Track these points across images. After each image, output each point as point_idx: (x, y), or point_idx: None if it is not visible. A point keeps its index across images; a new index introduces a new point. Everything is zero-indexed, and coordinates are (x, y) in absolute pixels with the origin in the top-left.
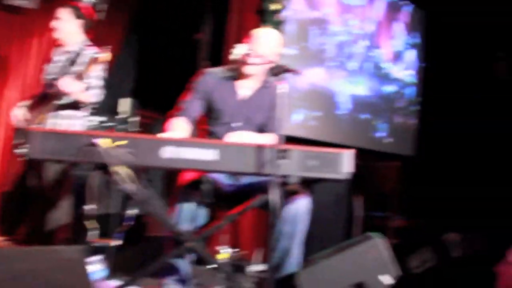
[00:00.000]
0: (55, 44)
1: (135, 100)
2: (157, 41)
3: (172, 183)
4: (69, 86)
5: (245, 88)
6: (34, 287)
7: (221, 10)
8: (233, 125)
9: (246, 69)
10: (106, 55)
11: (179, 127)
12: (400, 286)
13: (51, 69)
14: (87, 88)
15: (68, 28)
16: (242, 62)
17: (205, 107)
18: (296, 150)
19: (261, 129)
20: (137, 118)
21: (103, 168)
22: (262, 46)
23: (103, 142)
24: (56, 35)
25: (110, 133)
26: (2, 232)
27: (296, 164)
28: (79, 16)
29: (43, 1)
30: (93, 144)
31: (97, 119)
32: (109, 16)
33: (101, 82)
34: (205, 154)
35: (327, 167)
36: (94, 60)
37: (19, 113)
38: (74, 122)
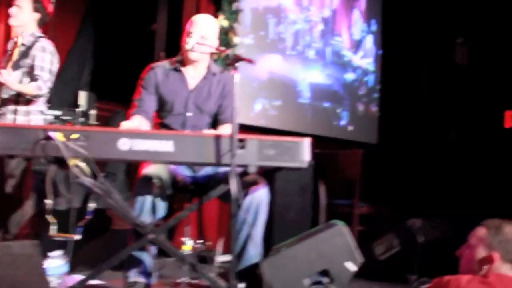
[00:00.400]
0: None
1: (93, 93)
2: (113, 33)
3: (134, 176)
4: (7, 79)
5: (192, 77)
6: None
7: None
8: (187, 114)
9: (189, 56)
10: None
11: (138, 124)
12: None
13: (4, 60)
14: (32, 75)
15: (24, 18)
16: (184, 49)
17: (157, 101)
18: (253, 139)
19: (214, 118)
20: (95, 111)
21: (60, 162)
22: (201, 29)
23: (59, 136)
24: (11, 21)
25: (66, 127)
26: None
27: (254, 154)
28: (37, 9)
29: None
30: (49, 138)
31: (53, 113)
32: (64, 7)
33: (47, 73)
34: (160, 145)
35: (286, 156)
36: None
37: None
38: (31, 117)
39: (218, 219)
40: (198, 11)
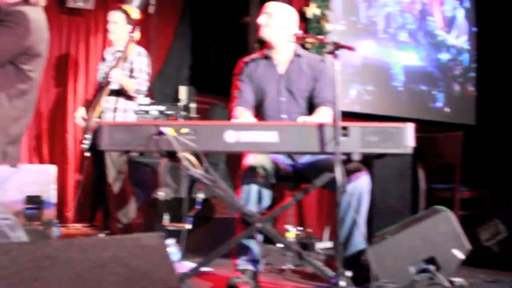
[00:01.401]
0: (109, 44)
1: (192, 87)
2: (208, 28)
3: (234, 166)
4: (114, 76)
5: (280, 63)
6: (118, 273)
7: None
8: (280, 99)
9: (270, 44)
10: (138, 34)
11: (243, 115)
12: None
13: (103, 67)
14: (131, 77)
15: (120, 31)
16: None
17: (254, 91)
18: (356, 126)
19: (307, 102)
20: (195, 104)
21: (171, 155)
22: (273, 17)
23: (171, 131)
24: (110, 36)
25: (176, 122)
26: (81, 219)
27: (357, 141)
28: (129, 22)
29: (98, 2)
30: (161, 133)
31: (157, 108)
32: (162, 8)
33: (145, 74)
34: (265, 136)
35: (389, 142)
36: (131, 40)
37: (79, 114)
38: (128, 114)
39: (318, 206)
40: (289, 2)
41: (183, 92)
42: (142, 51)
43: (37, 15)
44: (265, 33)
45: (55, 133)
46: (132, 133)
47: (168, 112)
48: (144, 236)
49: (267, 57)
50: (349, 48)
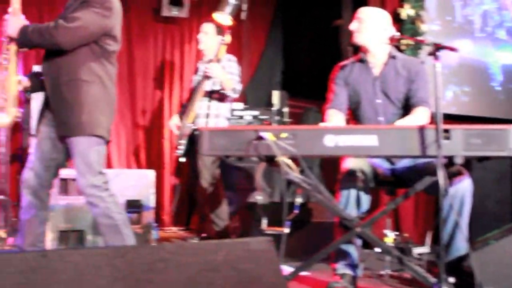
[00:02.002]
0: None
1: (285, 91)
2: (300, 32)
3: (328, 170)
4: (213, 69)
5: (375, 66)
6: (228, 277)
7: None
8: (376, 101)
9: (364, 48)
10: (228, 37)
11: (334, 118)
12: None
13: (196, 78)
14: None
15: (210, 41)
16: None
17: (349, 95)
18: (459, 129)
19: (402, 104)
20: (287, 109)
21: (269, 159)
22: (364, 22)
23: (270, 136)
24: (200, 46)
25: (275, 126)
26: (177, 223)
27: (459, 144)
28: (220, 32)
29: (192, 10)
30: (261, 138)
31: (251, 113)
32: (253, 14)
33: (237, 76)
34: (365, 140)
35: (493, 145)
36: (222, 43)
37: (173, 122)
38: (220, 120)
39: (414, 211)
40: (383, 3)
41: (276, 96)
42: (232, 57)
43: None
44: (358, 38)
45: (151, 139)
46: (232, 138)
47: (262, 117)
48: (253, 240)
49: (362, 61)
50: (451, 49)
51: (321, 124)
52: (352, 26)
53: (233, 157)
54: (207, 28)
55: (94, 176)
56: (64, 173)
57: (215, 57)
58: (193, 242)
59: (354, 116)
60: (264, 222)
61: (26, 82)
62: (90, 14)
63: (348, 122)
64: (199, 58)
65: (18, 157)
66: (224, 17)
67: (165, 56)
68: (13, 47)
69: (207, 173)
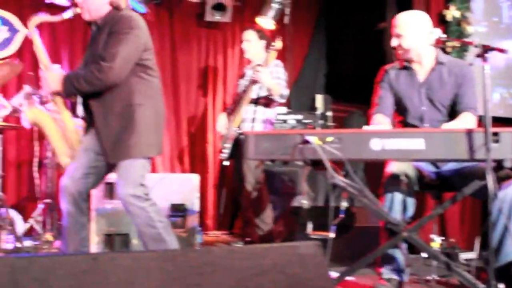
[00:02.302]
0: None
1: (328, 95)
2: (343, 36)
3: (372, 174)
4: (261, 75)
5: (420, 71)
6: (276, 281)
7: None
8: (422, 108)
9: (401, 56)
10: (279, 43)
11: (380, 122)
12: None
13: (243, 82)
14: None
15: (254, 48)
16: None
17: (394, 100)
18: (509, 132)
19: (448, 110)
20: (331, 113)
21: (315, 164)
22: (396, 29)
23: (315, 140)
24: (246, 55)
25: (321, 130)
26: (221, 227)
27: (509, 147)
28: (262, 37)
29: (234, 15)
30: (306, 142)
31: (294, 117)
32: (296, 18)
33: (284, 81)
34: (411, 143)
35: None
36: (273, 49)
37: (221, 122)
38: (267, 125)
39: (460, 215)
40: (427, 5)
41: (319, 100)
42: (279, 62)
43: (134, 15)
44: (404, 55)
45: (195, 143)
46: (277, 142)
47: (306, 121)
48: (301, 244)
49: (407, 67)
50: (500, 50)
51: (367, 128)
52: (393, 43)
53: (279, 161)
54: (249, 36)
55: (134, 188)
56: (109, 177)
57: (264, 63)
58: (241, 246)
59: (401, 123)
60: (309, 227)
61: (82, 123)
62: (125, 43)
63: (394, 126)
64: (242, 62)
65: None
66: (267, 21)
67: (208, 61)
68: (58, 99)
69: (252, 177)
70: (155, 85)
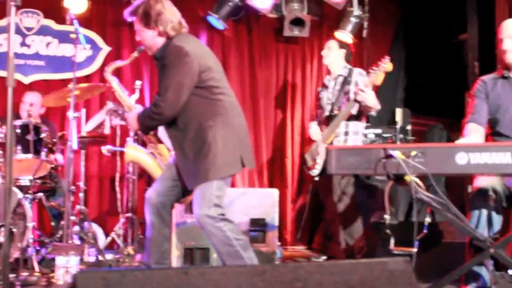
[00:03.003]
0: (327, 71)
1: (407, 108)
2: (422, 48)
3: (454, 189)
4: (368, 97)
5: None
6: None
7: (486, 8)
8: None
9: (507, 60)
10: (389, 64)
11: (473, 130)
12: None
13: (326, 94)
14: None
15: (334, 56)
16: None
17: (489, 110)
18: None
19: None
20: (410, 126)
21: (398, 178)
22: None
23: (399, 154)
24: (324, 61)
25: (404, 144)
26: (300, 242)
27: None
28: (342, 46)
29: (312, 30)
30: (390, 156)
31: (374, 131)
32: (374, 31)
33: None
34: (498, 157)
35: None
36: (382, 70)
37: (313, 129)
38: (359, 137)
39: None
40: (511, 15)
41: (399, 114)
42: (363, 71)
43: (184, 40)
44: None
45: (274, 158)
46: (360, 157)
47: (385, 135)
48: (390, 260)
49: (505, 77)
50: None
51: (458, 141)
52: (506, 45)
53: (361, 175)
54: (330, 44)
55: (209, 208)
56: None
57: (371, 83)
58: (331, 261)
59: (493, 133)
60: (392, 242)
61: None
62: (174, 73)
63: (486, 137)
64: (320, 77)
65: (145, 176)
66: (345, 35)
67: (287, 76)
68: (151, 136)
69: (341, 191)
70: (226, 103)
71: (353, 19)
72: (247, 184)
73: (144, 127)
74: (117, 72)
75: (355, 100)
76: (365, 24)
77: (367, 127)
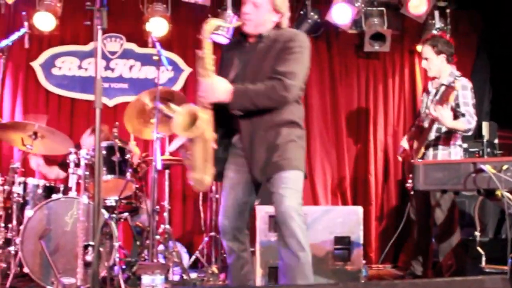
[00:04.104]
0: (428, 78)
1: (494, 122)
2: (507, 58)
3: None
4: (442, 116)
5: None
6: None
7: None
8: None
9: None
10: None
11: None
12: None
13: (425, 100)
14: (457, 112)
15: (434, 66)
16: None
17: None
18: None
19: None
20: (497, 140)
21: (489, 193)
22: None
23: (489, 168)
24: (429, 74)
25: (496, 158)
26: (385, 260)
27: None
28: (439, 51)
29: (393, 44)
30: (480, 170)
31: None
32: (458, 43)
33: (471, 108)
34: None
35: None
36: (450, 88)
37: (403, 147)
38: (449, 151)
39: None
40: None
41: (485, 128)
42: (467, 83)
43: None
44: None
45: (357, 175)
46: (448, 172)
47: (472, 149)
48: (487, 278)
49: None
50: None
51: None
52: None
53: (450, 191)
54: (426, 54)
55: (298, 203)
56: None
57: (444, 101)
58: (424, 279)
59: None
60: (483, 260)
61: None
62: (301, 62)
63: None
64: (403, 92)
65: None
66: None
67: (368, 92)
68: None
69: (435, 207)
70: (302, 112)
71: (435, 32)
72: (330, 202)
73: (247, 104)
74: None
75: (433, 121)
76: (447, 36)
77: None
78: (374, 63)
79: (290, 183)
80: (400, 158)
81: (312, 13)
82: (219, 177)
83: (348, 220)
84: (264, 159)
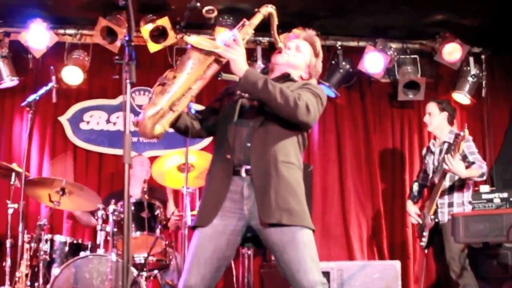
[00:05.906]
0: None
1: None
2: None
3: None
4: (456, 168)
5: None
6: None
7: None
8: None
9: None
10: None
11: None
12: None
13: (431, 160)
14: (469, 165)
15: (435, 121)
16: None
17: None
18: None
19: None
20: None
21: None
22: None
23: None
24: (428, 129)
25: None
26: None
27: None
28: (443, 109)
29: (427, 93)
30: None
31: (499, 195)
32: (494, 90)
33: (478, 155)
34: None
35: None
36: (461, 139)
37: (412, 209)
38: (465, 208)
39: None
40: None
41: None
42: (468, 137)
43: None
44: None
45: (394, 228)
46: (490, 223)
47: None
48: None
49: None
50: None
51: None
52: None
53: (492, 243)
54: (429, 109)
55: (320, 274)
56: None
57: (455, 152)
58: None
59: None
60: None
61: None
62: (320, 98)
63: None
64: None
65: (261, 252)
66: (462, 96)
67: (404, 142)
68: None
69: (456, 265)
70: (302, 164)
71: (470, 79)
72: (366, 257)
73: (261, 87)
74: None
75: (445, 172)
76: (483, 83)
77: (492, 191)
78: (409, 112)
79: (307, 247)
80: (414, 221)
81: (344, 63)
82: (203, 221)
83: (385, 275)
84: (275, 203)
